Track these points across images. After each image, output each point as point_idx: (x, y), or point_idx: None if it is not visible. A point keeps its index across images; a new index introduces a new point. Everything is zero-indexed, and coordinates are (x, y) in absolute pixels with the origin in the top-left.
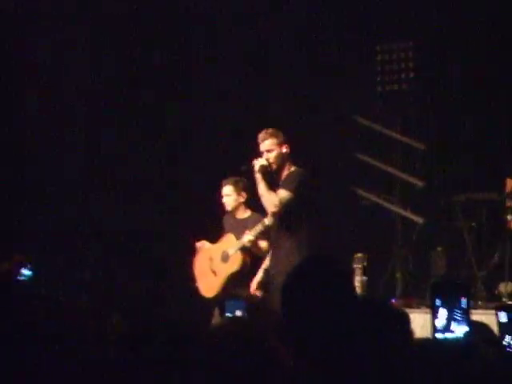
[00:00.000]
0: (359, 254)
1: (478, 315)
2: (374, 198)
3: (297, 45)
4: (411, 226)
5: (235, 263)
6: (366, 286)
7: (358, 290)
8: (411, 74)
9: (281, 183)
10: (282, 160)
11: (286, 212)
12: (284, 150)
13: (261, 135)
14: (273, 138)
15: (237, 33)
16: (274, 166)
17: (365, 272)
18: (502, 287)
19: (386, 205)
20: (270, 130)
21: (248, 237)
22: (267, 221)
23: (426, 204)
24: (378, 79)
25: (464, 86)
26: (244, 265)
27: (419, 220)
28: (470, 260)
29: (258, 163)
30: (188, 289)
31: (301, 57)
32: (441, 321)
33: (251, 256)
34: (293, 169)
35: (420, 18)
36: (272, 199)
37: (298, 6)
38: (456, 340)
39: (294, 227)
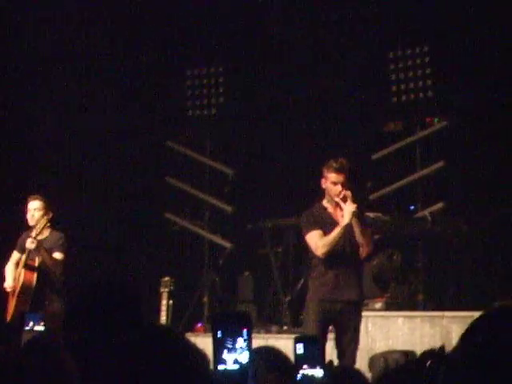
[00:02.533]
0: (166, 278)
1: (283, 340)
2: (183, 223)
3: (105, 71)
4: (219, 251)
5: (19, 282)
6: (172, 309)
7: (164, 313)
8: (221, 99)
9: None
10: None
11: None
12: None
13: (338, 166)
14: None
15: None
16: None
17: (171, 296)
18: None
19: (195, 229)
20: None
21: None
22: None
23: (234, 229)
24: (188, 104)
25: (271, 112)
26: (27, 282)
27: (227, 245)
28: (277, 285)
29: (349, 208)
30: None
31: (112, 81)
32: (222, 352)
33: (40, 272)
34: None
35: (228, 43)
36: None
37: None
38: (237, 370)
39: None
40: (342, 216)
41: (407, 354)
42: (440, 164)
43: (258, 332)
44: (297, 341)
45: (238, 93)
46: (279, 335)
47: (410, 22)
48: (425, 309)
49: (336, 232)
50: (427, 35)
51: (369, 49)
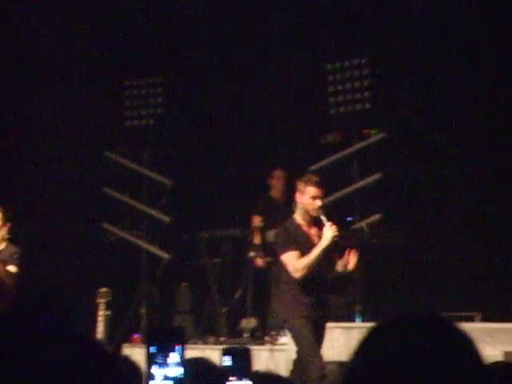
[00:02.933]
0: (104, 289)
1: (219, 351)
2: (120, 233)
3: (42, 80)
4: (157, 261)
5: None
6: (109, 320)
7: (101, 324)
8: (159, 110)
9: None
10: None
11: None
12: None
13: (319, 180)
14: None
15: None
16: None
17: (108, 306)
18: (245, 323)
19: (133, 239)
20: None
21: None
22: None
23: (171, 240)
24: (126, 114)
25: (209, 124)
26: None
27: (165, 255)
28: (214, 296)
29: (329, 233)
30: None
31: (50, 90)
32: (157, 368)
33: None
34: None
35: (167, 54)
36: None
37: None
38: None
39: None
40: (318, 235)
41: (343, 365)
42: (377, 176)
43: (195, 343)
44: (224, 353)
45: (176, 104)
46: (216, 346)
47: (349, 33)
48: (362, 320)
49: (315, 254)
50: (366, 47)
51: (307, 60)
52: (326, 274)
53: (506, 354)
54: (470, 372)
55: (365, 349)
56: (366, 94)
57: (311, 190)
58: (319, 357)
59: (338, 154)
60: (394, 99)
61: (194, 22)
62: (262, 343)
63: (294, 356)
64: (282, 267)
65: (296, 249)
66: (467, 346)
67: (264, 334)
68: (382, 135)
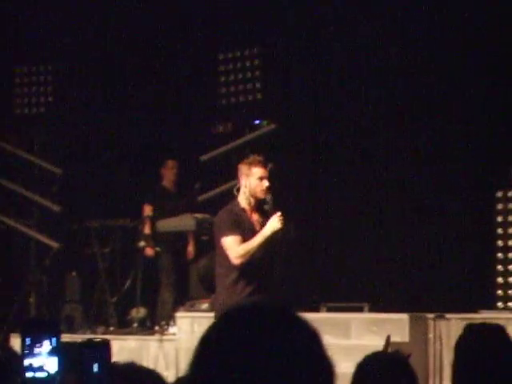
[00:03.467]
0: None
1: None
2: (9, 222)
3: None
4: (46, 250)
5: None
6: None
7: None
8: (49, 98)
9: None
10: None
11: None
12: None
13: (263, 160)
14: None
15: None
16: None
17: None
18: (134, 312)
19: (22, 228)
20: None
21: None
22: None
23: (61, 229)
24: (16, 102)
25: (100, 113)
26: None
27: (54, 244)
28: (103, 285)
29: (273, 223)
30: None
31: None
32: (32, 359)
33: None
34: None
35: (58, 42)
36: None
37: None
38: (45, 377)
39: None
40: (261, 223)
41: None
42: (268, 166)
43: (84, 333)
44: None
45: (66, 92)
46: (105, 336)
47: (240, 23)
48: None
49: (257, 242)
50: (257, 38)
51: (198, 50)
52: (269, 265)
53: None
54: (310, 364)
55: (202, 343)
56: (258, 84)
57: (257, 171)
58: None
59: (229, 144)
60: (286, 90)
61: (86, 10)
62: (152, 333)
63: (183, 346)
64: (220, 251)
65: (239, 234)
66: (309, 337)
67: (153, 323)
68: (272, 126)
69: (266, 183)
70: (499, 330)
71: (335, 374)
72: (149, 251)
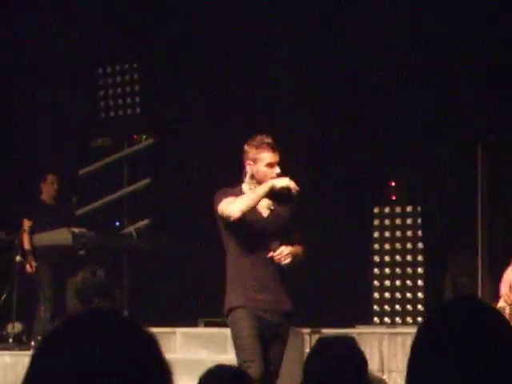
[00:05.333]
0: None
1: None
2: None
3: None
4: None
5: None
6: None
7: None
8: None
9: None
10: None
11: None
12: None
13: (273, 142)
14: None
15: None
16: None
17: None
18: (10, 328)
19: None
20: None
21: None
22: None
23: None
24: None
25: None
26: None
27: None
28: None
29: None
30: None
31: None
32: None
33: None
34: None
35: None
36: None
37: None
38: None
39: None
40: (268, 207)
41: None
42: (146, 181)
43: None
44: None
45: None
46: None
47: (120, 38)
48: None
49: (254, 195)
50: (137, 52)
51: (79, 63)
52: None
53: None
54: (148, 368)
55: (37, 351)
56: (137, 99)
57: (266, 157)
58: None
59: (108, 158)
60: (164, 105)
61: None
62: (28, 348)
63: None
64: (226, 244)
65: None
66: (146, 341)
67: (30, 339)
68: (151, 141)
69: (276, 170)
70: (351, 342)
71: (172, 377)
72: (28, 268)
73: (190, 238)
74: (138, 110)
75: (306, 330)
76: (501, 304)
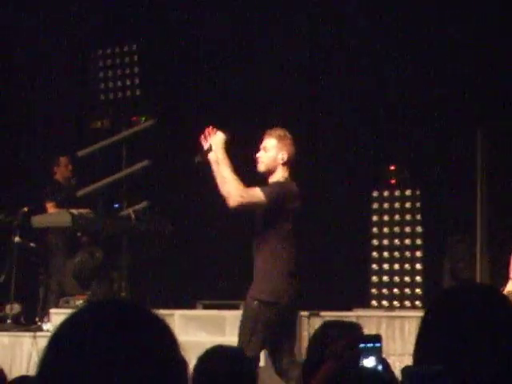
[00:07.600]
0: None
1: None
2: None
3: None
4: None
5: None
6: None
7: None
8: None
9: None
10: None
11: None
12: (280, 155)
13: (268, 131)
14: (275, 140)
15: None
16: (262, 167)
17: None
18: (8, 309)
19: None
20: (279, 132)
21: None
22: None
23: None
24: None
25: None
26: None
27: None
28: None
29: (218, 137)
30: None
31: None
32: None
33: None
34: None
35: None
36: (238, 187)
37: None
38: None
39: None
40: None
41: None
42: (145, 163)
43: None
44: None
45: None
46: None
47: (119, 20)
48: None
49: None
50: (136, 34)
51: (77, 45)
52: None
53: None
54: (162, 358)
55: (53, 339)
56: (136, 80)
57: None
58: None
59: (107, 140)
60: (164, 86)
61: None
62: (26, 330)
63: None
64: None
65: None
66: (160, 331)
67: (28, 320)
68: (150, 122)
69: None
70: (356, 327)
71: (188, 368)
72: None
73: (188, 220)
74: (138, 91)
75: (305, 313)
76: (509, 287)
